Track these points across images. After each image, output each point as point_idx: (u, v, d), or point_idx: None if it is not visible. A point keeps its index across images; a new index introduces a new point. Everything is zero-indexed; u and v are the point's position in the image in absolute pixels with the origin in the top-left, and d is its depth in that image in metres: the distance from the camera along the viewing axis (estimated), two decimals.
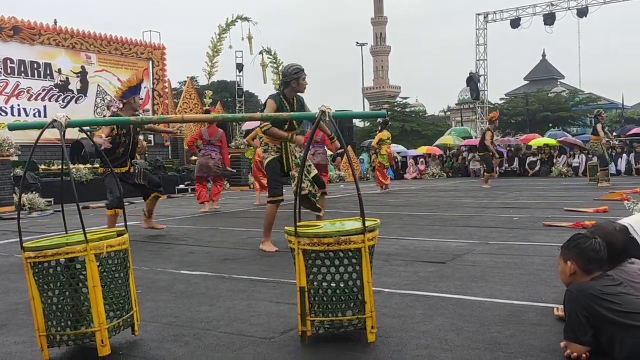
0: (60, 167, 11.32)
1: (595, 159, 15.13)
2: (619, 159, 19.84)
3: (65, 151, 2.70)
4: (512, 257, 4.61)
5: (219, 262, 4.97)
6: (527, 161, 20.56)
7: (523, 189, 13.02)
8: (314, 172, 5.40)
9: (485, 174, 14.75)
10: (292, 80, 5.30)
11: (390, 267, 4.42)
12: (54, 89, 18.39)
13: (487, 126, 14.18)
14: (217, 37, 25.40)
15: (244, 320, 3.13)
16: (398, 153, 23.51)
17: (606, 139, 13.25)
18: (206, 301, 3.59)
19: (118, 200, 6.08)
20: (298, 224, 2.68)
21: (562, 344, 2.41)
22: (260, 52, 27.14)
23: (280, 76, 5.32)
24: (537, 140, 22.90)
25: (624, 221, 3.19)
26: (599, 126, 13.21)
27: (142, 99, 6.29)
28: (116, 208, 6.21)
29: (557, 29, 29.99)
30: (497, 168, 14.70)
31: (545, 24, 29.27)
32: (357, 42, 49.13)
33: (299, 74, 5.30)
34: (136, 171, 6.62)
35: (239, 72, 28.92)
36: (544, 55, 62.93)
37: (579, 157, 19.81)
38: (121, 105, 6.39)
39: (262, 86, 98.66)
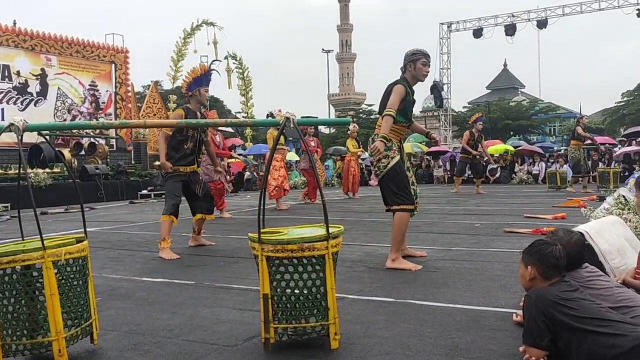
0: (17, 171, 11.07)
1: (566, 166, 15.40)
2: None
3: (22, 155, 2.66)
4: (473, 263, 4.68)
5: (182, 269, 4.90)
6: (488, 168, 20.93)
7: (484, 195, 13.23)
8: (415, 187, 4.84)
9: (455, 178, 14.88)
10: (408, 63, 4.59)
11: (354, 274, 4.43)
12: (12, 91, 17.96)
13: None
14: (182, 41, 25.18)
15: (207, 327, 3.10)
16: (363, 160, 23.67)
17: (589, 141, 13.31)
18: (168, 309, 3.54)
19: (175, 207, 5.64)
20: (262, 230, 2.66)
21: (520, 348, 2.45)
22: (226, 58, 27.00)
23: (403, 61, 4.67)
24: (497, 147, 23.33)
25: (581, 228, 3.28)
26: (579, 129, 13.04)
27: (208, 90, 5.84)
28: (172, 215, 5.60)
29: (518, 39, 30.91)
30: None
31: (507, 34, 30.11)
32: (323, 49, 49.49)
33: (417, 55, 4.58)
34: (201, 178, 5.95)
35: None
36: (505, 65, 64.31)
37: (538, 164, 20.26)
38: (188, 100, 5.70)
39: (227, 91, 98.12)
